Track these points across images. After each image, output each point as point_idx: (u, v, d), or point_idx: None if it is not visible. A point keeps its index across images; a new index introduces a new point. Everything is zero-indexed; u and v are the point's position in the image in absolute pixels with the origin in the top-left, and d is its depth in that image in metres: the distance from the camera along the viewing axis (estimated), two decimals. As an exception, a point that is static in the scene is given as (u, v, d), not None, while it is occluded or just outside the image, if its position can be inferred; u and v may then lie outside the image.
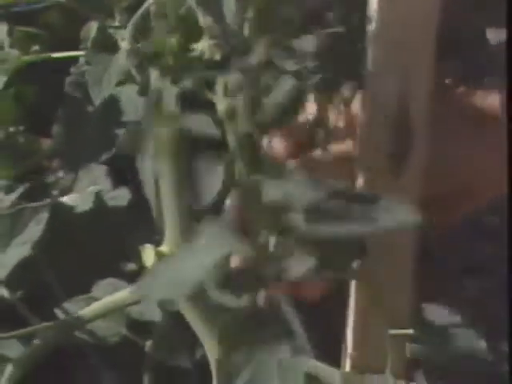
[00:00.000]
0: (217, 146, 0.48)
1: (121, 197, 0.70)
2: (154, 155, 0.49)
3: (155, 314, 0.64)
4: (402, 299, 0.54)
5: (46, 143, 0.72)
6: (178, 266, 0.46)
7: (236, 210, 0.51)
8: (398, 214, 0.45)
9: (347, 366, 0.57)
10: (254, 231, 0.47)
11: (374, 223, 0.45)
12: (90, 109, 0.67)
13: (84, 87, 0.62)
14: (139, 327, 0.66)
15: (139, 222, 0.68)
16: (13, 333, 0.59)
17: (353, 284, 0.54)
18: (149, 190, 0.52)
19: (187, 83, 0.47)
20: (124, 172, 0.71)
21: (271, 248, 0.47)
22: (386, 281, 0.53)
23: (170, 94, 0.46)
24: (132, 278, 0.62)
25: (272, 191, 0.46)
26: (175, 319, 0.63)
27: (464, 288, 0.66)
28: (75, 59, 0.69)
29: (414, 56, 0.49)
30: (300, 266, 0.46)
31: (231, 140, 0.46)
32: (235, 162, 0.46)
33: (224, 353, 0.46)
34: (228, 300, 0.47)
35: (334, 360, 0.55)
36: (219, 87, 0.46)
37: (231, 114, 0.46)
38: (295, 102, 0.48)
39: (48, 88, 0.73)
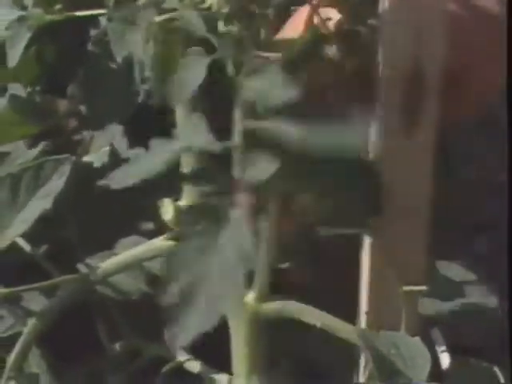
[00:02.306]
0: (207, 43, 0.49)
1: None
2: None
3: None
4: (416, 256, 0.55)
5: (63, 104, 0.73)
6: (145, 159, 0.49)
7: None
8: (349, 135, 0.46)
9: (362, 323, 0.57)
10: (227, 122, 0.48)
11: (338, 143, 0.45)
12: (113, 66, 0.67)
13: (107, 45, 0.62)
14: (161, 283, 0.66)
15: (157, 180, 0.69)
16: (36, 285, 0.60)
17: (367, 241, 0.55)
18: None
19: None
20: (140, 132, 0.72)
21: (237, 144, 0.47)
22: (400, 237, 0.53)
23: None
24: (153, 236, 0.63)
25: (248, 90, 0.47)
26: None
27: (476, 245, 0.67)
28: (94, 22, 0.70)
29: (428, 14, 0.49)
30: (263, 169, 0.46)
31: (223, 38, 0.48)
32: (222, 59, 0.48)
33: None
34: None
35: (350, 318, 0.56)
36: None
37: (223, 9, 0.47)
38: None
39: (66, 50, 0.73)
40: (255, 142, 0.47)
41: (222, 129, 0.48)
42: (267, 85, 0.47)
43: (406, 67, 0.50)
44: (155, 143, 0.49)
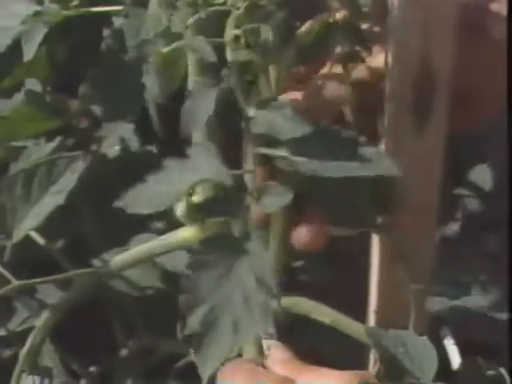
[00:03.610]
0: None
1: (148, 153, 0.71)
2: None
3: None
4: (425, 254, 0.55)
5: (74, 104, 0.73)
6: (157, 186, 0.48)
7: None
8: (379, 165, 0.46)
9: (371, 321, 0.57)
10: (239, 160, 0.48)
11: (353, 169, 0.46)
12: (127, 62, 0.68)
13: (120, 43, 0.63)
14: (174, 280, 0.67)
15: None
16: (50, 277, 0.60)
17: (376, 240, 0.55)
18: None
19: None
20: (151, 130, 0.72)
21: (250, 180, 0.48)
22: (409, 236, 0.54)
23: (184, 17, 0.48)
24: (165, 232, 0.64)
25: (260, 123, 0.47)
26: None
27: (485, 243, 0.66)
28: (106, 21, 0.70)
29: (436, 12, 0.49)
30: (277, 200, 0.47)
31: (231, 67, 0.48)
32: (232, 89, 0.47)
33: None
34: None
35: (359, 316, 0.56)
36: (231, 17, 0.47)
37: (235, 40, 0.47)
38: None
39: (77, 50, 0.74)
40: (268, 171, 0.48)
41: (234, 156, 0.49)
42: (280, 119, 0.47)
43: (416, 66, 0.50)
44: (170, 166, 0.49)
